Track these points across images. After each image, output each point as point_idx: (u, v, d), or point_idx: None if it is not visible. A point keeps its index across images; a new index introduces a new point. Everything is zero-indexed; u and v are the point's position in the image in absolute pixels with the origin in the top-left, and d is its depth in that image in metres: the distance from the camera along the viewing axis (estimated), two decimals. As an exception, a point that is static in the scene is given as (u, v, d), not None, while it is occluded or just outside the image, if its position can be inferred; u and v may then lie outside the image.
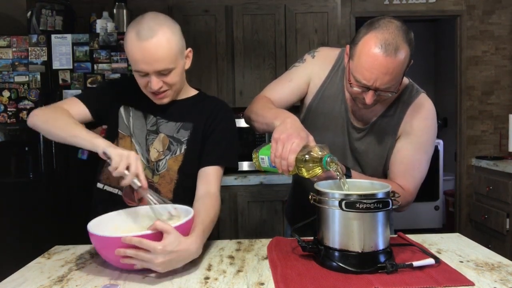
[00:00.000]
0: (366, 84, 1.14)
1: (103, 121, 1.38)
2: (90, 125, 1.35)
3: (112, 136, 1.33)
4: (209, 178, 1.27)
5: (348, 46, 1.22)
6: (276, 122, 1.15)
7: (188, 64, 1.32)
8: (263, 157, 1.17)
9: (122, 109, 1.35)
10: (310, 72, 1.38)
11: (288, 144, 1.05)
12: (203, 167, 1.29)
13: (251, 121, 1.34)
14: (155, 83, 1.21)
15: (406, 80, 1.33)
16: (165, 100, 1.29)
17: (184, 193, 1.30)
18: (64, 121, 1.23)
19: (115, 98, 1.36)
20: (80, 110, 1.33)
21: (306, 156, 1.06)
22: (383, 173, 1.37)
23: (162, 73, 1.21)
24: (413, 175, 1.30)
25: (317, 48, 1.43)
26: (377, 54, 1.10)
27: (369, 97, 1.16)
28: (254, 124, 1.33)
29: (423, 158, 1.31)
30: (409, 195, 1.30)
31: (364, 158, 1.36)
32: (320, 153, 1.06)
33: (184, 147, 1.32)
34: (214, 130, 1.33)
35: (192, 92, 1.41)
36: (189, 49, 1.31)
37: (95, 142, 1.14)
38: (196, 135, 1.33)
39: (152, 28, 1.17)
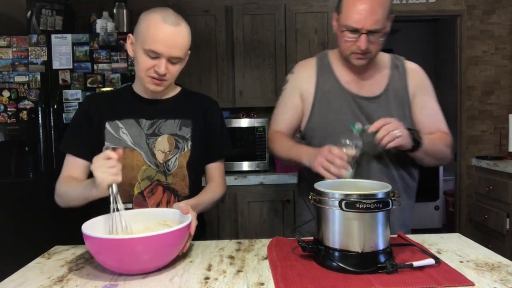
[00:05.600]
0: (357, 28, 1.28)
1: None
2: None
3: (98, 151, 1.29)
4: (214, 172, 1.44)
5: (334, 14, 1.38)
6: (304, 161, 1.30)
7: (184, 63, 1.35)
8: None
9: (108, 125, 1.33)
10: (296, 85, 1.49)
11: (326, 155, 1.19)
12: (208, 164, 1.44)
13: (281, 160, 1.51)
14: (164, 67, 1.25)
15: (385, 53, 1.50)
16: (160, 88, 1.31)
17: (197, 187, 1.39)
18: (71, 195, 1.26)
19: (96, 121, 1.34)
20: (79, 165, 1.33)
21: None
22: None
23: (172, 61, 1.26)
24: (442, 120, 1.49)
25: (294, 67, 1.55)
26: None
27: (362, 41, 1.29)
28: (284, 161, 1.52)
29: (437, 104, 1.50)
30: (450, 136, 1.46)
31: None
32: (348, 144, 1.22)
33: (189, 143, 1.37)
34: (212, 127, 1.42)
35: (177, 88, 1.45)
36: (189, 51, 1.35)
37: (94, 193, 1.15)
38: (197, 131, 1.39)
39: (177, 18, 1.27)
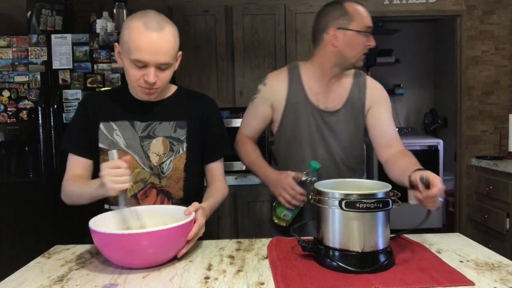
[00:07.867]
0: None
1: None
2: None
3: (93, 151, 1.34)
4: (216, 171, 1.44)
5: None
6: (261, 179, 1.54)
7: (176, 66, 1.33)
8: (285, 213, 1.43)
9: (102, 126, 1.34)
10: (268, 97, 1.58)
11: (288, 191, 1.35)
12: (209, 164, 1.43)
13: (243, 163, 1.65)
14: (153, 75, 1.21)
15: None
16: (153, 97, 1.30)
17: (192, 189, 1.38)
18: (77, 194, 1.29)
19: (92, 120, 1.35)
20: (82, 164, 1.35)
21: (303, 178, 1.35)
22: (358, 141, 1.59)
23: (161, 67, 1.23)
24: (396, 133, 1.56)
25: (266, 77, 1.62)
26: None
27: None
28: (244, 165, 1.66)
29: (391, 118, 1.59)
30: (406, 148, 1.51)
31: (338, 133, 1.55)
32: (305, 175, 1.35)
33: (185, 145, 1.36)
34: (210, 127, 1.41)
35: (173, 88, 1.43)
36: (180, 52, 1.33)
37: (102, 193, 1.16)
38: (193, 132, 1.37)
39: (160, 23, 1.20)
